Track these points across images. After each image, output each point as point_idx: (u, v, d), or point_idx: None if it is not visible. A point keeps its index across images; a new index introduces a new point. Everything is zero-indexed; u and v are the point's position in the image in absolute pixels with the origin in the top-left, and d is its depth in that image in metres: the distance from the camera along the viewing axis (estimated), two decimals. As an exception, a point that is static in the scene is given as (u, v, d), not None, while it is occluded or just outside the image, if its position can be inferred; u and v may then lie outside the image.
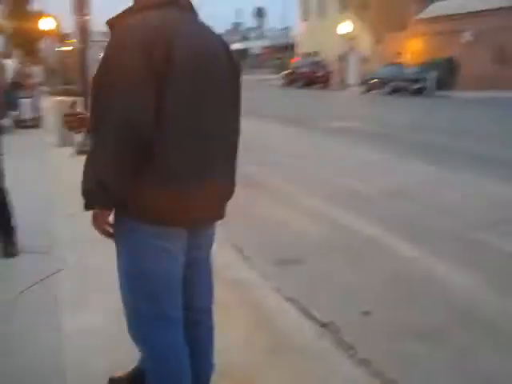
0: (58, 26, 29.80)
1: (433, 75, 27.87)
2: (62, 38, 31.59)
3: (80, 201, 2.01)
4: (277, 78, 43.58)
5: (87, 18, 9.93)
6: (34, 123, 13.47)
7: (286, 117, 17.50)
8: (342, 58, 39.01)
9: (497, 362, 3.26)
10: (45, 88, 22.37)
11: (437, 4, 34.61)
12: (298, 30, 49.76)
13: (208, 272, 2.43)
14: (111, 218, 2.09)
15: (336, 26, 38.53)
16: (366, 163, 9.58)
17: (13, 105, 11.76)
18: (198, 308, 2.37)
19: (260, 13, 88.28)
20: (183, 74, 1.95)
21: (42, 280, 4.03)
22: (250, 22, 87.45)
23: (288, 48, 55.74)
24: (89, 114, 2.13)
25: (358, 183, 7.94)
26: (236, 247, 5.11)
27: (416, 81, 28.61)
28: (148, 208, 1.99)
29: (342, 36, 38.21)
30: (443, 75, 28.24)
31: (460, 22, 31.26)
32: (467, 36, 31.25)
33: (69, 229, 5.28)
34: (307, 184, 7.94)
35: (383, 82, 30.34)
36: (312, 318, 3.70)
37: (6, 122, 12.56)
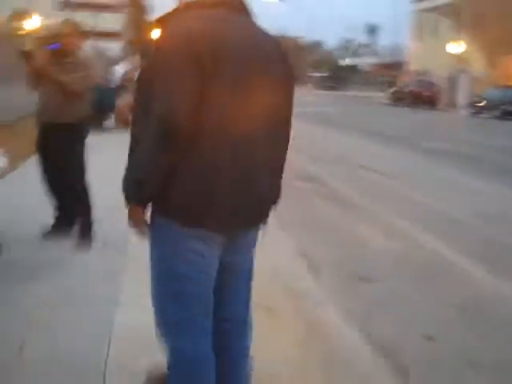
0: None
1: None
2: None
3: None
4: (383, 96, 42.89)
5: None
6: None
7: (383, 134, 17.12)
8: (452, 79, 37.81)
9: None
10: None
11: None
12: (409, 47, 48.80)
13: (245, 280, 2.32)
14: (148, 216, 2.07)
15: (448, 46, 37.43)
16: (459, 187, 9.19)
17: (109, 106, 12.17)
18: (229, 317, 2.28)
19: (372, 30, 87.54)
20: (229, 75, 1.91)
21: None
22: (361, 38, 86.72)
23: (397, 66, 54.78)
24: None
25: (448, 206, 7.61)
26: (307, 258, 5.03)
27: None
28: (180, 208, 1.95)
29: (454, 56, 37.05)
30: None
31: None
32: None
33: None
34: (394, 203, 7.69)
35: (493, 105, 29.05)
36: (370, 338, 3.55)
37: (109, 122, 13.13)
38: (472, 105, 31.62)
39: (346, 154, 12.42)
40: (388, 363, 3.27)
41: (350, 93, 53.77)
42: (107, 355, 3.04)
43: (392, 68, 57.66)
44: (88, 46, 9.69)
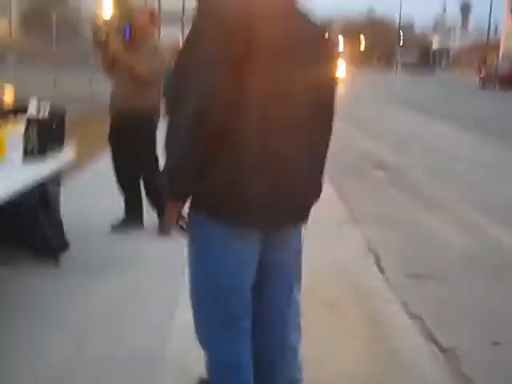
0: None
1: None
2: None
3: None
4: (473, 78, 41.29)
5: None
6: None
7: (464, 119, 16.44)
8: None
9: None
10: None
11: None
12: (504, 28, 46.63)
13: (287, 280, 2.20)
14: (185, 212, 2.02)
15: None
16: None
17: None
18: (268, 319, 2.19)
19: (465, 8, 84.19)
20: (264, 60, 1.82)
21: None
22: (453, 18, 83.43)
23: (490, 47, 52.52)
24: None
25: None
26: (373, 252, 4.94)
27: None
28: (214, 204, 1.90)
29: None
30: None
31: None
32: None
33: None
34: (468, 194, 7.42)
35: None
36: (434, 341, 3.44)
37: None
38: None
39: (434, 143, 12.05)
40: (451, 367, 3.17)
41: (440, 76, 52.08)
42: (165, 355, 3.07)
43: (484, 49, 55.34)
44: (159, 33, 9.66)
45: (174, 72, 1.94)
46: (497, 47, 47.54)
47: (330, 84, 2.10)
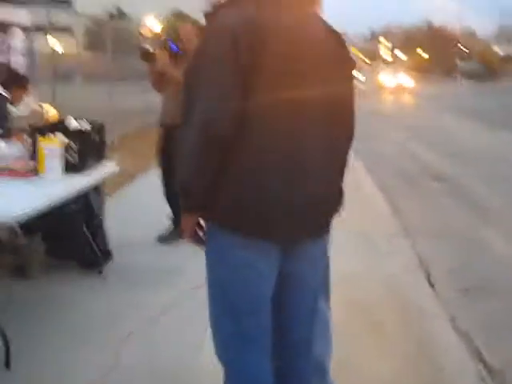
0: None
1: None
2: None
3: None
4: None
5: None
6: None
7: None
8: None
9: None
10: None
11: None
12: None
13: (307, 289, 2.09)
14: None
15: None
16: None
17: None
18: (291, 337, 2.10)
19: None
20: (273, 70, 1.79)
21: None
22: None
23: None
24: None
25: None
26: (423, 265, 4.79)
27: None
28: (229, 215, 1.85)
29: None
30: None
31: None
32: None
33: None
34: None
35: None
36: (481, 361, 3.27)
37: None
38: None
39: (489, 151, 11.68)
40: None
41: (504, 84, 50.57)
42: (201, 366, 3.02)
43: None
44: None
45: (184, 84, 1.92)
46: None
47: (348, 91, 2.03)
